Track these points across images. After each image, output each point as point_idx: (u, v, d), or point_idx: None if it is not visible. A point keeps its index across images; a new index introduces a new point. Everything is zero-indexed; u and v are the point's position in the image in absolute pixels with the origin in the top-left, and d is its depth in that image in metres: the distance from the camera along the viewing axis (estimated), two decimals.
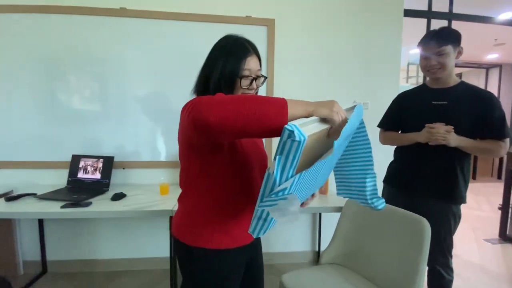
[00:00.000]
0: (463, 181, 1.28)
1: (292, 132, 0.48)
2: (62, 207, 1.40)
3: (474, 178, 5.26)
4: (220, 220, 0.79)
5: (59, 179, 1.87)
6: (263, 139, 1.03)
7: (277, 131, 0.54)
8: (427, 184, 1.31)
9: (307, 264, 2.18)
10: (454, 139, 1.19)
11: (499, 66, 5.36)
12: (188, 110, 0.60)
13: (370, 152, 0.74)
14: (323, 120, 0.60)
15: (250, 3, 1.95)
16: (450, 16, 2.37)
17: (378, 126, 1.55)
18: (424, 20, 2.34)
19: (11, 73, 1.81)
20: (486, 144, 1.21)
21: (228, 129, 0.55)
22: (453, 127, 1.19)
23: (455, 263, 1.36)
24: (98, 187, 1.76)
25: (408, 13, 2.17)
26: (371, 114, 1.65)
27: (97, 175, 1.80)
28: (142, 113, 1.92)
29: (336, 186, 0.83)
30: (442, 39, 1.21)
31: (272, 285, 1.74)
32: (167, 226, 1.57)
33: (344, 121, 0.60)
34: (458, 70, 5.84)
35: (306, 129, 0.54)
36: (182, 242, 0.80)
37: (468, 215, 1.26)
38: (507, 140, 1.20)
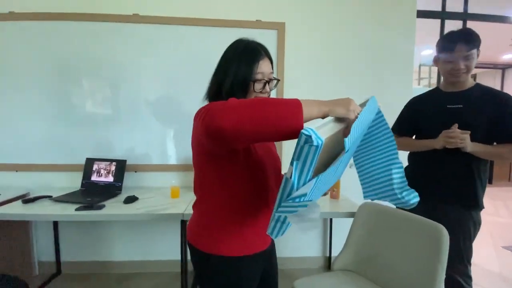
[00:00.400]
0: (481, 186, 1.24)
1: (309, 136, 0.46)
2: (76, 209, 1.43)
3: (490, 182, 5.09)
4: (236, 226, 0.78)
5: (73, 181, 1.91)
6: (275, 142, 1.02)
7: (292, 134, 0.53)
8: (444, 190, 1.26)
9: (318, 270, 2.15)
10: (470, 144, 1.15)
11: None
12: (201, 117, 0.59)
13: (393, 140, 0.71)
14: (339, 119, 0.58)
15: (260, 7, 1.96)
16: (465, 16, 2.31)
17: (391, 130, 1.51)
18: (436, 21, 2.29)
19: (28, 78, 1.86)
20: (503, 149, 1.16)
21: (243, 135, 0.54)
22: (469, 131, 1.14)
23: (473, 271, 1.31)
24: (111, 190, 1.79)
25: (421, 14, 2.13)
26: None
27: (110, 178, 1.83)
28: (153, 117, 1.95)
29: (362, 189, 0.79)
30: (470, 42, 1.16)
31: None
32: (178, 229, 1.57)
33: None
34: (472, 71, 5.68)
35: (323, 131, 0.52)
36: (199, 250, 0.79)
37: (485, 221, 1.21)
38: None
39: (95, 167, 1.86)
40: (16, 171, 1.92)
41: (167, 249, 2.05)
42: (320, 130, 0.52)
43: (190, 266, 0.95)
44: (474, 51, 1.17)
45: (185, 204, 1.57)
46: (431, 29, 2.29)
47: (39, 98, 1.88)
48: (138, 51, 1.89)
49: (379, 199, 0.76)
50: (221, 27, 1.91)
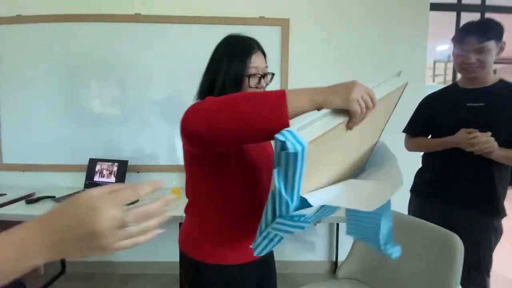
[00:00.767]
0: (502, 191, 1.13)
1: (283, 143, 0.39)
2: None
3: (510, 184, 4.81)
4: (229, 233, 0.74)
5: (78, 182, 1.92)
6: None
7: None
8: (462, 195, 1.16)
9: (323, 275, 2.07)
10: (497, 148, 1.03)
11: None
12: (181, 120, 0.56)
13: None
14: (340, 110, 0.47)
15: (264, 4, 1.90)
16: (483, 8, 2.16)
17: (404, 131, 1.41)
18: (452, 13, 2.16)
19: (36, 80, 1.88)
20: None
21: (220, 137, 0.49)
22: (490, 132, 1.03)
23: (492, 281, 1.21)
24: None
25: (435, 6, 2.02)
26: (394, 117, 1.52)
27: (112, 179, 1.82)
28: (158, 118, 1.93)
29: (346, 224, 0.72)
30: (483, 33, 1.05)
31: None
32: (177, 232, 1.54)
33: (369, 108, 0.46)
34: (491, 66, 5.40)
35: (311, 130, 0.43)
36: (191, 258, 0.75)
37: (505, 227, 1.10)
38: None
39: (97, 167, 1.86)
40: (24, 171, 1.94)
41: (169, 251, 2.03)
42: (309, 128, 0.43)
43: None
44: (489, 43, 1.05)
45: (184, 207, 1.53)
46: (446, 23, 2.16)
47: (46, 99, 1.89)
48: (144, 51, 1.88)
49: (361, 241, 0.70)
50: (225, 25, 1.87)
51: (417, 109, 1.37)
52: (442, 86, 1.36)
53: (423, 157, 1.35)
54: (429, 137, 1.31)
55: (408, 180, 1.34)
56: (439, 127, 1.23)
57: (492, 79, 1.13)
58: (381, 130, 0.71)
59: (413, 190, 1.37)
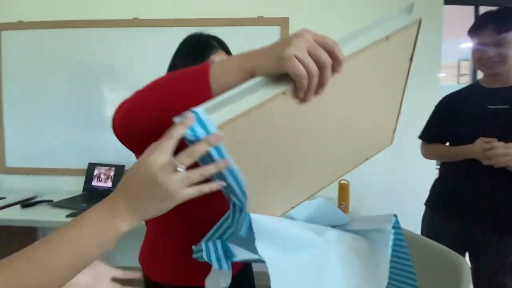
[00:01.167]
0: None
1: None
2: (67, 216, 1.42)
3: None
4: (190, 249, 0.67)
5: (79, 186, 1.93)
6: None
7: None
8: (482, 212, 1.01)
9: None
10: None
11: None
12: None
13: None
14: (282, 76, 0.34)
15: (262, 2, 1.83)
16: (502, 1, 1.97)
17: (420, 137, 1.25)
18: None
19: (38, 85, 1.92)
20: None
21: (138, 128, 0.43)
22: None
23: None
24: None
25: (450, 0, 1.85)
26: (406, 121, 1.39)
27: (109, 183, 1.81)
28: None
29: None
30: (502, 23, 0.92)
31: None
32: None
33: (325, 66, 0.33)
34: None
35: (235, 107, 0.32)
36: (145, 276, 0.69)
37: None
38: None
39: (96, 172, 1.86)
40: (27, 174, 1.99)
41: None
42: (234, 104, 0.32)
43: None
44: (510, 34, 0.91)
45: None
46: (470, 18, 1.99)
47: (48, 103, 1.92)
48: (142, 55, 1.86)
49: None
50: (225, 26, 1.81)
51: (433, 113, 1.22)
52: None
53: (441, 166, 1.21)
54: (447, 144, 1.16)
55: (424, 189, 1.23)
56: (457, 133, 1.08)
57: None
58: (401, 90, 0.52)
59: (428, 203, 1.22)
